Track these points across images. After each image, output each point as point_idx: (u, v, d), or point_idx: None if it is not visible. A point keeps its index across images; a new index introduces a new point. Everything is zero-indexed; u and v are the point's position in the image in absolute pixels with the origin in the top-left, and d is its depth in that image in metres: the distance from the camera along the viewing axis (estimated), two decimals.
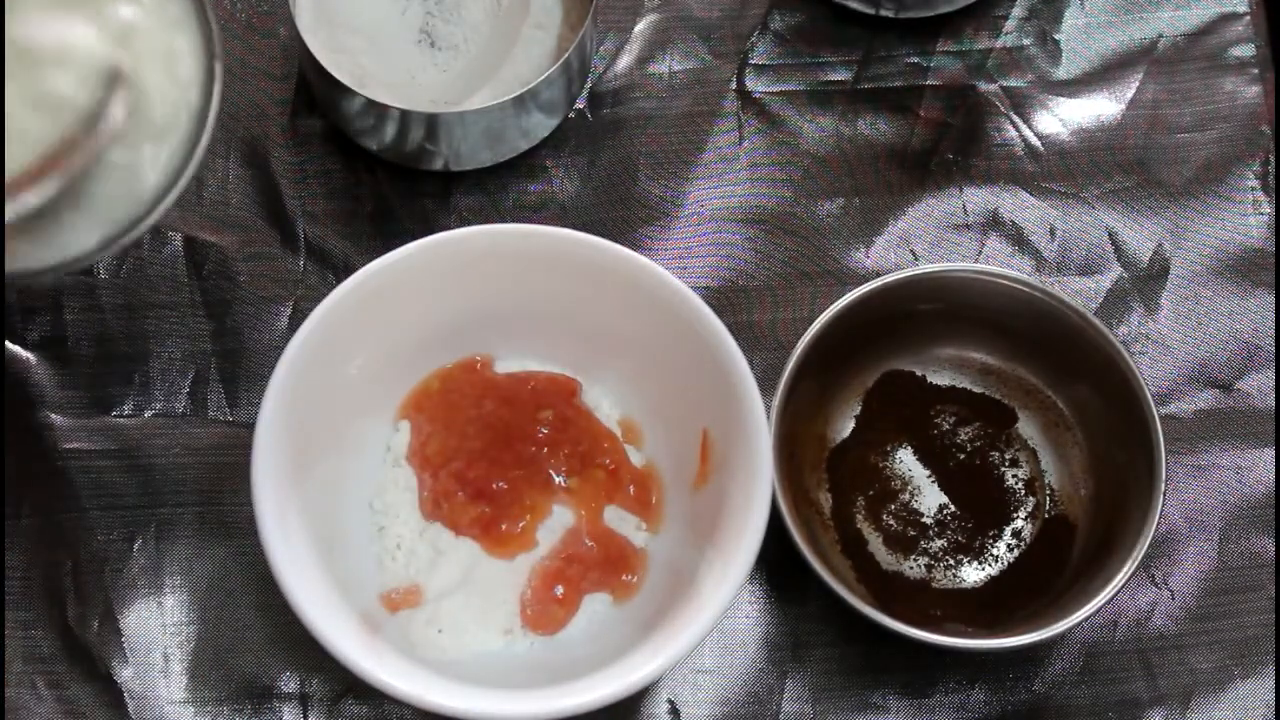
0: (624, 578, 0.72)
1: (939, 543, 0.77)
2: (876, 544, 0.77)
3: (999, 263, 0.83)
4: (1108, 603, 0.70)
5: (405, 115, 0.76)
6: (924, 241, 0.83)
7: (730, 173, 0.84)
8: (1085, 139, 0.85)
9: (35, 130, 0.56)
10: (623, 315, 0.72)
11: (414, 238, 0.71)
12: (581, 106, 0.84)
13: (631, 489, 0.74)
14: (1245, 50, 0.86)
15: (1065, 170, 0.85)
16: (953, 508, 0.77)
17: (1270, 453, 0.80)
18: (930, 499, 0.78)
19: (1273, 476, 0.79)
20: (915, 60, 0.86)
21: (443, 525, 0.72)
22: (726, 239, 0.83)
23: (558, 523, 0.73)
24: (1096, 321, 0.74)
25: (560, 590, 0.71)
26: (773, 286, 0.82)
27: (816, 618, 0.76)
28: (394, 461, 0.74)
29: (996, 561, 0.77)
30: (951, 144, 0.85)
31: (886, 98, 0.85)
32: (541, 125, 0.81)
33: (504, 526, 0.72)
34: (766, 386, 0.71)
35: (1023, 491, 0.78)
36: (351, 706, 0.75)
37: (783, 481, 0.71)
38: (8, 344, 0.79)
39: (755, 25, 0.86)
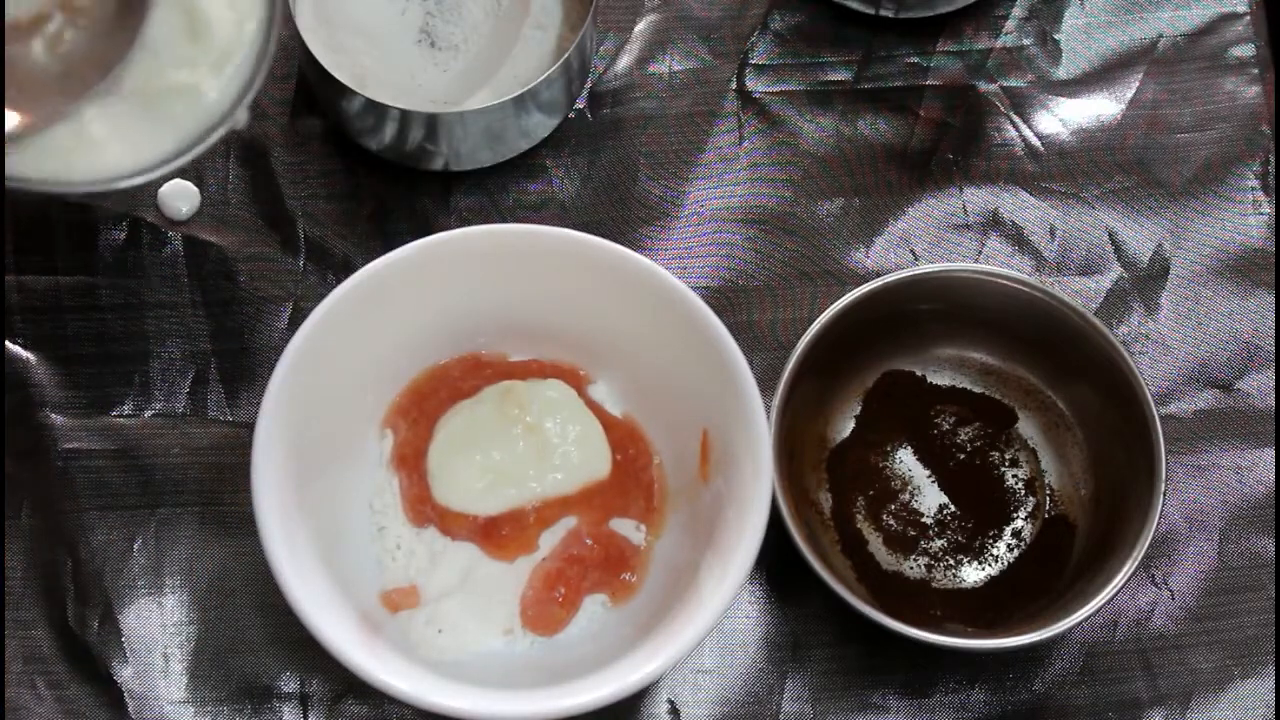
0: (624, 577, 0.72)
1: (939, 543, 0.77)
2: (876, 544, 0.77)
3: (999, 263, 0.83)
4: (1108, 603, 0.70)
5: (405, 115, 0.76)
6: (924, 241, 0.83)
7: (730, 173, 0.84)
8: (1085, 139, 0.85)
9: None
10: (623, 315, 0.72)
11: (414, 238, 0.71)
12: (581, 106, 0.84)
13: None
14: (1245, 50, 0.86)
15: (1065, 170, 0.85)
16: (953, 508, 0.77)
17: (1270, 453, 0.80)
18: (930, 499, 0.78)
19: (1273, 476, 0.79)
20: (915, 60, 0.86)
21: (437, 531, 0.72)
22: (726, 239, 0.83)
23: (559, 524, 0.73)
24: (1096, 321, 0.74)
25: (561, 591, 0.71)
26: (773, 286, 0.82)
27: (816, 618, 0.76)
28: (386, 464, 0.74)
29: (996, 561, 0.77)
30: (951, 144, 0.85)
31: (886, 98, 0.85)
32: (541, 125, 0.81)
33: (505, 532, 0.72)
34: (766, 386, 0.71)
35: (1023, 491, 0.78)
36: (351, 706, 0.75)
37: (783, 481, 0.71)
38: (8, 344, 0.79)
39: (755, 25, 0.86)
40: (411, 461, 0.73)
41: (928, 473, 0.78)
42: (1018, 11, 0.87)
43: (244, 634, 0.75)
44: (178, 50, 0.66)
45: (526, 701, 0.64)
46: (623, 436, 0.74)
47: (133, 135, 0.66)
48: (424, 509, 0.72)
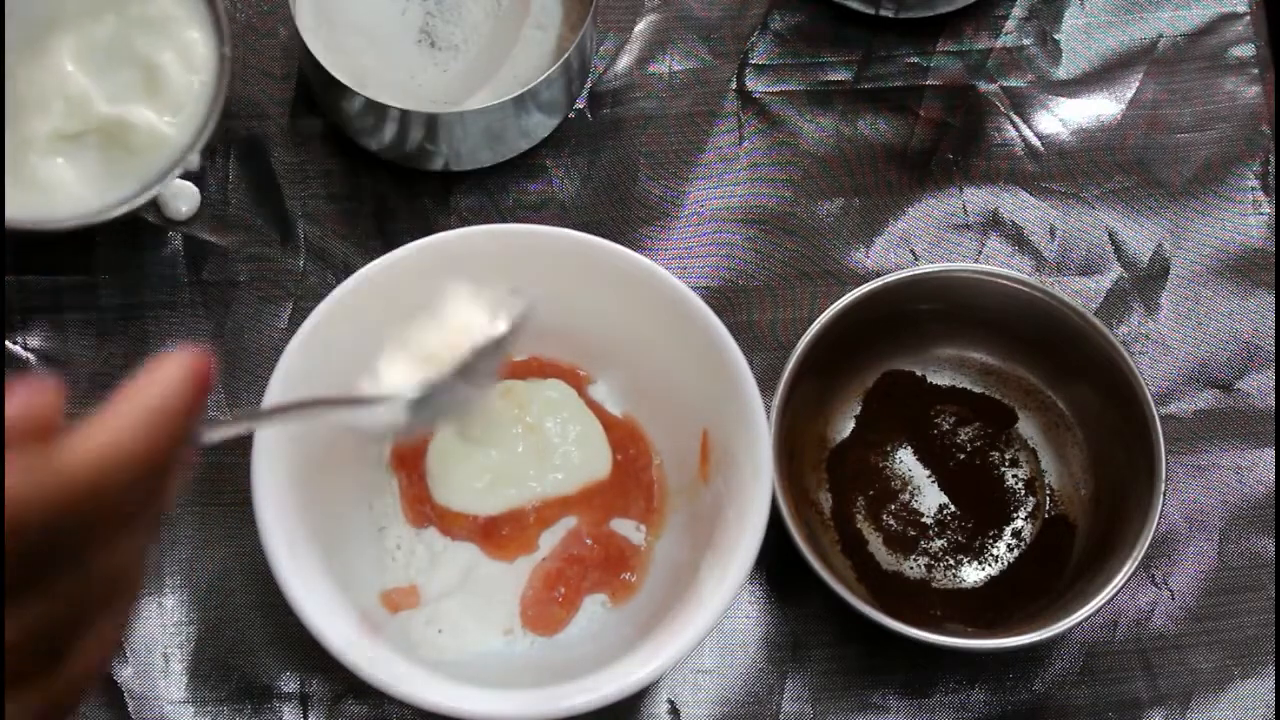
0: (624, 577, 0.72)
1: (939, 543, 0.77)
2: (876, 544, 0.77)
3: (999, 263, 0.83)
4: (1108, 603, 0.70)
5: (405, 115, 0.76)
6: (924, 241, 0.83)
7: (730, 173, 0.84)
8: (1085, 139, 0.85)
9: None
10: (623, 315, 0.72)
11: (414, 238, 0.71)
12: (581, 106, 0.84)
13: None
14: (1245, 50, 0.86)
15: (1065, 170, 0.85)
16: (953, 508, 0.77)
17: (1270, 453, 0.80)
18: (930, 499, 0.78)
19: (1273, 476, 0.79)
20: (915, 60, 0.86)
21: (437, 532, 0.72)
22: (726, 239, 0.83)
23: (559, 524, 0.73)
24: (1096, 321, 0.74)
25: (561, 591, 0.71)
26: (773, 286, 0.82)
27: (816, 618, 0.76)
28: (385, 464, 0.74)
29: (996, 561, 0.77)
30: (951, 144, 0.85)
31: (886, 98, 0.85)
32: (541, 125, 0.81)
33: (505, 532, 0.72)
34: (766, 386, 0.71)
35: (1023, 491, 0.78)
36: (351, 706, 0.75)
37: (783, 481, 0.71)
38: (8, 344, 0.79)
39: (755, 25, 0.86)
40: (411, 461, 0.73)
41: (928, 473, 0.78)
42: (1018, 11, 0.87)
43: (244, 634, 0.75)
44: (139, 103, 0.75)
45: (526, 701, 0.64)
46: (623, 436, 0.74)
47: (102, 178, 0.75)
48: (423, 509, 0.72)
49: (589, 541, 0.72)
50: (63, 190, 0.75)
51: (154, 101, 0.75)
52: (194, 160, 0.75)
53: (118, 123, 0.75)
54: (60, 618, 0.38)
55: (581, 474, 0.72)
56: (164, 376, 0.39)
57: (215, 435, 0.46)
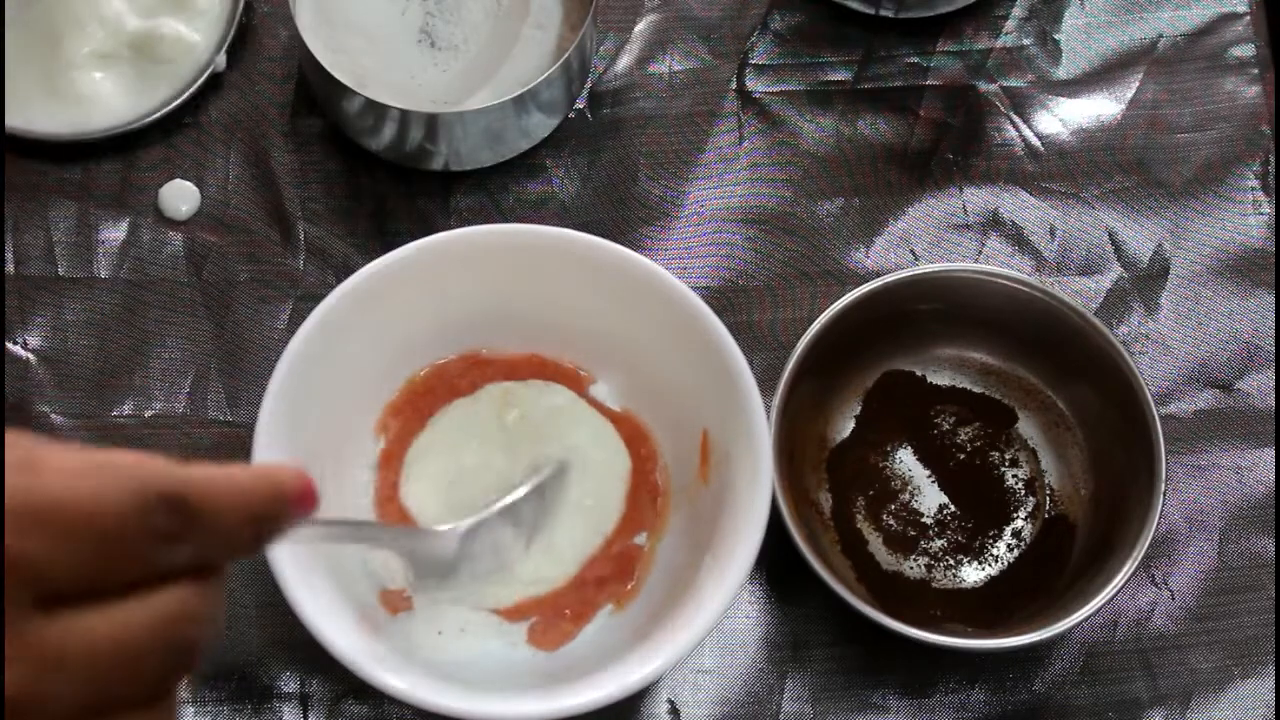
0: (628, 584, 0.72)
1: (939, 543, 0.77)
2: (876, 544, 0.77)
3: (999, 263, 0.83)
4: (1108, 603, 0.70)
5: (405, 115, 0.76)
6: (924, 241, 0.83)
7: (730, 173, 0.84)
8: (1085, 139, 0.85)
9: None
10: (623, 315, 0.72)
11: (414, 238, 0.71)
12: (581, 106, 0.84)
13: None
14: (1245, 50, 0.86)
15: (1065, 170, 0.85)
16: (953, 508, 0.77)
17: (1270, 453, 0.80)
18: (930, 499, 0.78)
19: (1273, 476, 0.79)
20: (915, 60, 0.86)
21: None
22: (726, 239, 0.83)
23: None
24: (1096, 321, 0.74)
25: (569, 611, 0.71)
26: (773, 286, 0.82)
27: (816, 618, 0.76)
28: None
29: (996, 561, 0.77)
30: (951, 144, 0.85)
31: (886, 98, 0.85)
32: (541, 125, 0.81)
33: None
34: (766, 386, 0.71)
35: (1023, 491, 0.78)
36: (351, 707, 0.75)
37: (783, 481, 0.71)
38: (8, 344, 0.79)
39: (755, 25, 0.86)
40: (393, 461, 0.73)
41: (928, 473, 0.78)
42: (1018, 11, 0.87)
43: (244, 634, 0.75)
44: (165, 14, 0.82)
45: (526, 702, 0.64)
46: (631, 436, 0.74)
47: (136, 87, 0.82)
48: (390, 508, 0.72)
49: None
50: (99, 103, 0.81)
51: (179, 12, 0.82)
52: (221, 61, 0.82)
53: (147, 36, 0.81)
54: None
55: (605, 474, 0.72)
56: (286, 471, 0.41)
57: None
